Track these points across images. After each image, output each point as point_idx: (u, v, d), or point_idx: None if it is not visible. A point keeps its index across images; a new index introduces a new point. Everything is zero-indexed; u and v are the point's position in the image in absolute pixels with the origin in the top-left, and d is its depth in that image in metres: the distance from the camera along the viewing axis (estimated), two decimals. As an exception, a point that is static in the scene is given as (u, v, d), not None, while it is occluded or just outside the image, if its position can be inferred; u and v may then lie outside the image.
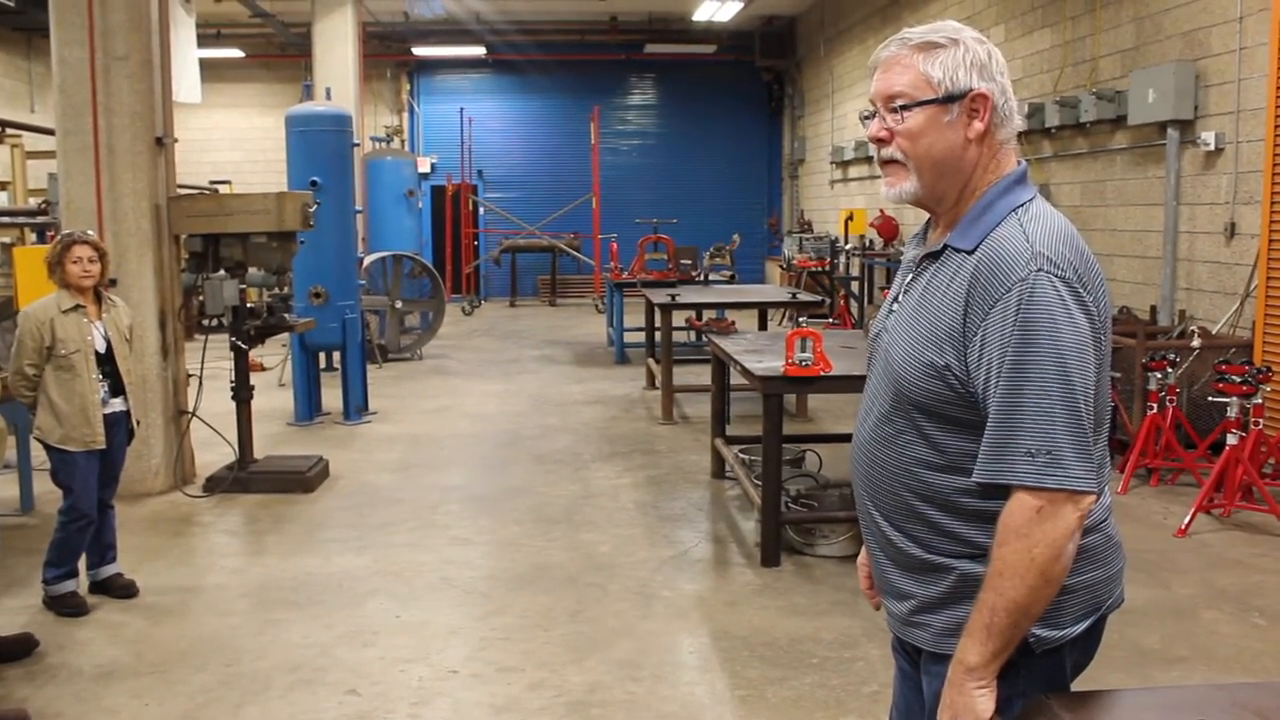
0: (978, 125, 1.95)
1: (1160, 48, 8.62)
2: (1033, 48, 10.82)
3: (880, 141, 1.99)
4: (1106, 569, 1.97)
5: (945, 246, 1.98)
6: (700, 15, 18.24)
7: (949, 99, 1.93)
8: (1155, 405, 6.81)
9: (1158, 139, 8.57)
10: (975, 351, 1.87)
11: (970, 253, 1.91)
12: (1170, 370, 6.76)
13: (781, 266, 17.25)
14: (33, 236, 9.63)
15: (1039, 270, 1.82)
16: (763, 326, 10.98)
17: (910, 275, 2.08)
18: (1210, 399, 6.58)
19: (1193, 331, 7.28)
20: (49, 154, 7.21)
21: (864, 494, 2.10)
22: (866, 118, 2.03)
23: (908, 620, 2.05)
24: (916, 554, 2.00)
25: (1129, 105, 8.72)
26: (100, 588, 5.19)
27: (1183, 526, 6.04)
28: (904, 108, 1.95)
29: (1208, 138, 7.93)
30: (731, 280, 13.79)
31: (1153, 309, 8.61)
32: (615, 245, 15.36)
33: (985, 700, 1.85)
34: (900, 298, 2.08)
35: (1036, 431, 1.79)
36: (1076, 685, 2.00)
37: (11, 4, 14.35)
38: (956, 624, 1.93)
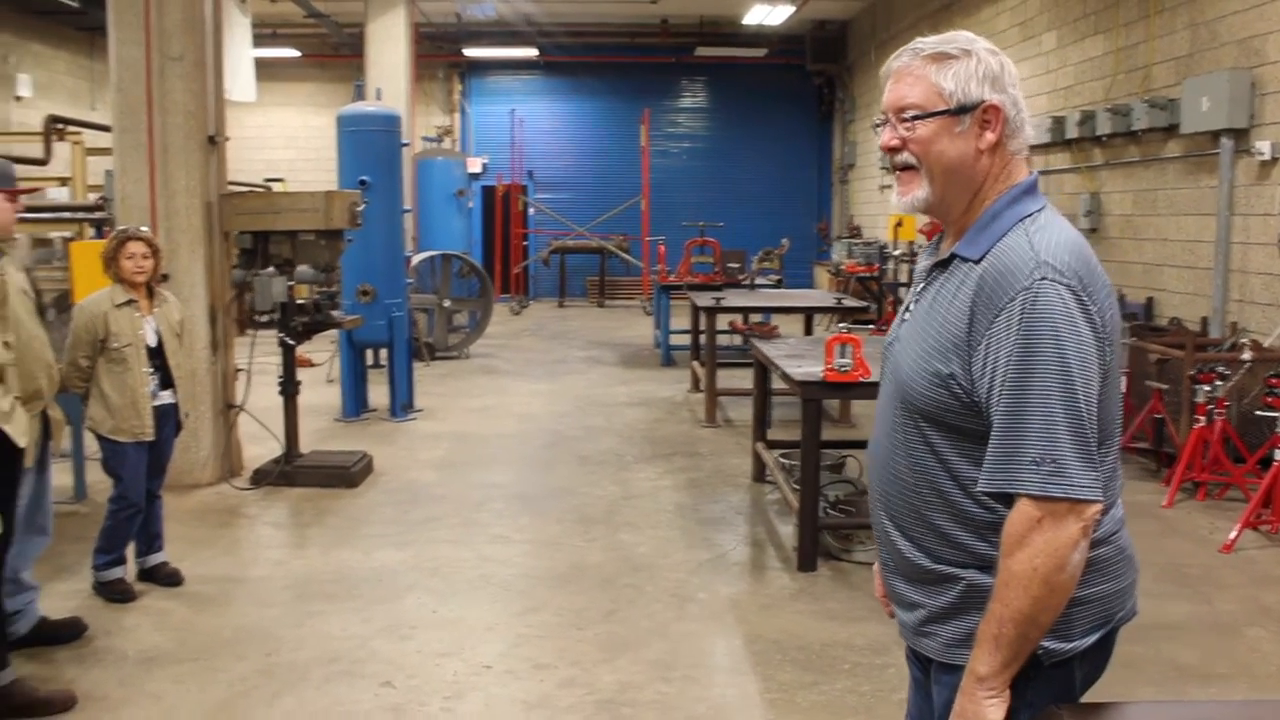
0: (989, 136, 1.96)
1: (1215, 55, 8.50)
2: (1085, 55, 10.72)
3: (893, 150, 2.01)
4: (1117, 582, 1.97)
5: (953, 256, 1.99)
6: (751, 19, 18.23)
7: (961, 110, 1.94)
8: (1203, 418, 6.71)
9: (1211, 148, 8.46)
10: (980, 360, 1.87)
11: (977, 262, 1.92)
12: (1219, 383, 6.66)
13: (830, 271, 17.19)
14: (91, 231, 9.83)
15: (1043, 279, 1.82)
16: (808, 332, 10.95)
17: (922, 284, 2.10)
18: (1260, 413, 6.48)
19: (1243, 344, 7.17)
20: (108, 151, 7.37)
21: (877, 502, 2.12)
22: (877, 126, 2.05)
23: (917, 630, 2.07)
24: (924, 563, 2.01)
25: (1182, 113, 8.62)
26: (147, 575, 5.31)
27: (1228, 542, 5.95)
28: (916, 118, 1.96)
29: (1263, 147, 7.81)
30: (778, 284, 13.76)
31: (1204, 320, 8.50)
32: (662, 247, 15.38)
33: (996, 710, 1.86)
34: (912, 307, 2.10)
35: (1040, 440, 1.79)
36: (1092, 697, 2.00)
37: (75, 4, 14.65)
38: (965, 634, 1.94)
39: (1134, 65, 9.75)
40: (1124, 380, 7.56)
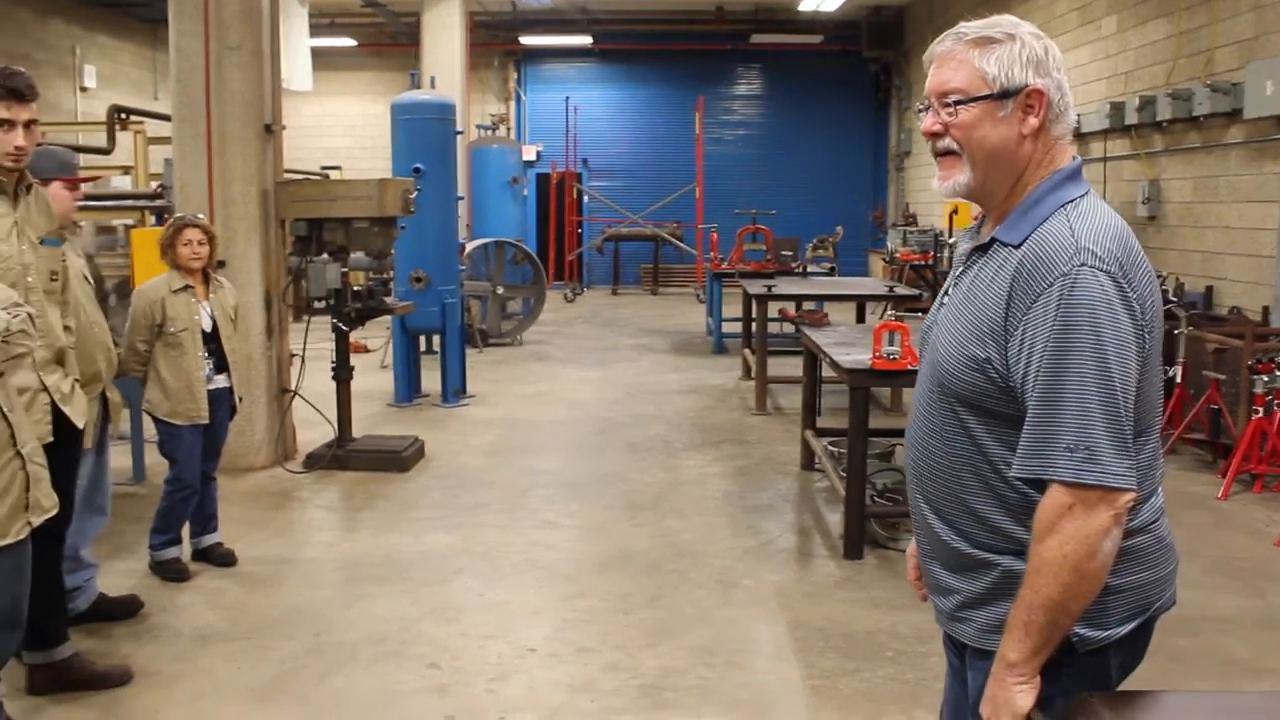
0: (1032, 121, 1.94)
1: (1281, 38, 8.31)
2: (1146, 39, 10.52)
3: (935, 135, 2.00)
4: (1155, 571, 1.96)
5: (993, 240, 1.98)
6: (806, 5, 18.10)
7: (1004, 95, 1.92)
8: (1261, 409, 6.59)
9: (1275, 133, 8.28)
10: (1016, 345, 1.86)
11: (1017, 247, 1.91)
12: (1279, 373, 6.54)
13: (884, 259, 17.07)
14: (152, 219, 10.01)
15: (1082, 265, 1.80)
16: (860, 320, 10.88)
17: (961, 268, 2.09)
18: (1320, 403, 6.35)
19: (1305, 333, 7.03)
20: (169, 140, 7.52)
21: (914, 486, 2.12)
22: (920, 111, 2.04)
23: (953, 616, 2.06)
24: (960, 548, 2.01)
25: (1245, 98, 8.44)
26: (202, 556, 5.42)
27: (1285, 534, 5.85)
28: (958, 103, 1.94)
29: (1328, 133, 7.63)
30: (831, 272, 13.69)
31: (1265, 310, 8.33)
32: (715, 235, 15.36)
33: (1025, 696, 1.86)
34: (950, 291, 2.09)
35: (1075, 427, 1.78)
36: (1134, 687, 1.98)
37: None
38: (999, 620, 1.93)
39: (1196, 49, 9.56)
40: (1180, 369, 7.48)
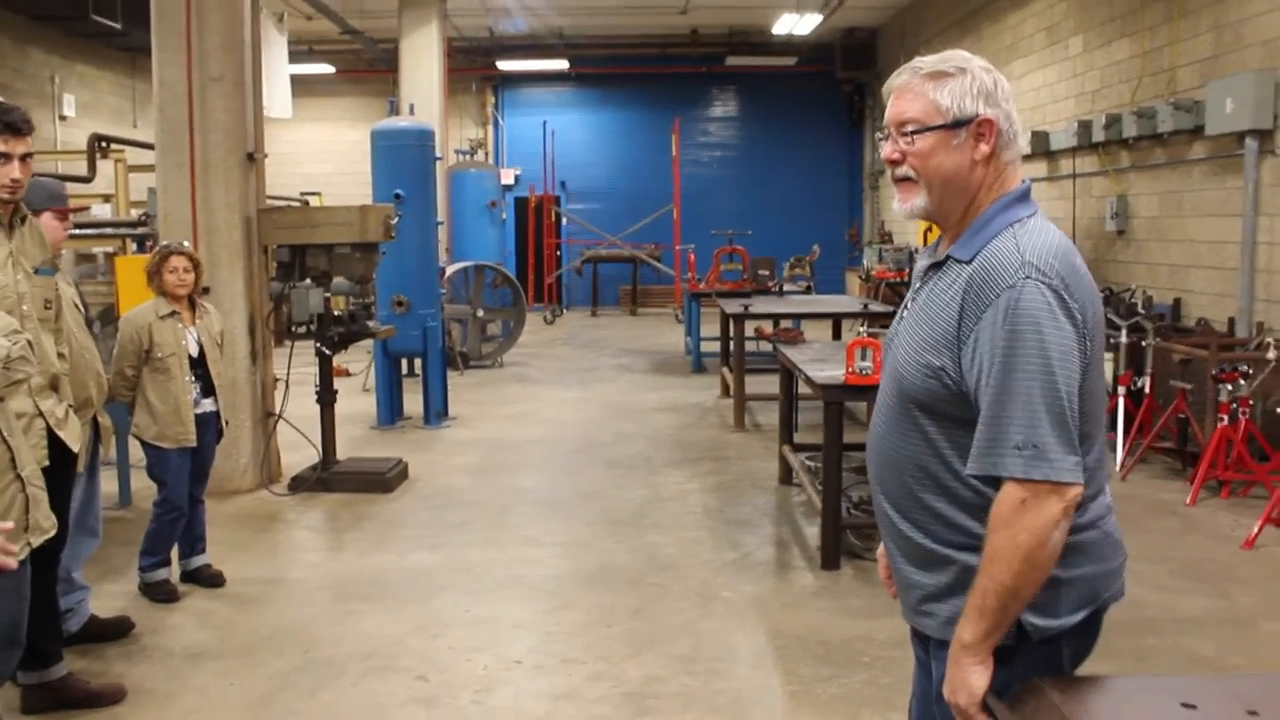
0: (984, 148, 2.09)
1: (1240, 57, 8.53)
2: (1111, 58, 10.76)
3: (894, 162, 2.15)
4: (1104, 564, 2.10)
5: (947, 257, 2.13)
6: (780, 28, 18.30)
7: (956, 124, 2.07)
8: (1226, 417, 6.76)
9: (1236, 149, 8.49)
10: (969, 353, 2.01)
11: (968, 262, 2.06)
12: (1243, 382, 6.71)
13: (860, 277, 17.27)
14: (133, 247, 10.10)
15: (1027, 278, 1.96)
16: (836, 337, 11.05)
17: (919, 283, 2.24)
18: (1282, 411, 6.53)
19: (1269, 344, 7.20)
20: (149, 168, 7.62)
21: (876, 487, 2.26)
22: (882, 140, 2.19)
23: (917, 609, 2.20)
24: (923, 544, 2.14)
25: (1207, 115, 8.65)
26: (190, 577, 5.50)
27: (1250, 538, 6.00)
28: (915, 132, 2.09)
29: (1286, 148, 7.84)
30: (808, 291, 13.86)
31: (1230, 321, 8.52)
32: (692, 255, 15.52)
33: (979, 677, 1.99)
34: (910, 304, 2.24)
35: (1023, 426, 1.93)
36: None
37: (118, 26, 15.03)
38: (960, 613, 2.06)
39: (1159, 68, 9.79)
40: (1149, 379, 7.64)
